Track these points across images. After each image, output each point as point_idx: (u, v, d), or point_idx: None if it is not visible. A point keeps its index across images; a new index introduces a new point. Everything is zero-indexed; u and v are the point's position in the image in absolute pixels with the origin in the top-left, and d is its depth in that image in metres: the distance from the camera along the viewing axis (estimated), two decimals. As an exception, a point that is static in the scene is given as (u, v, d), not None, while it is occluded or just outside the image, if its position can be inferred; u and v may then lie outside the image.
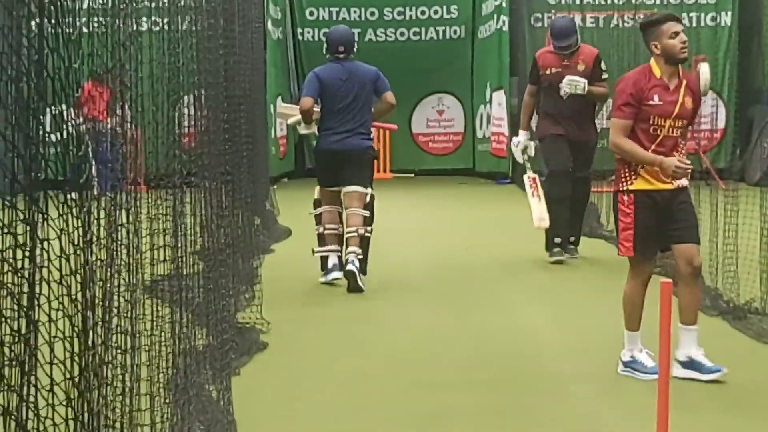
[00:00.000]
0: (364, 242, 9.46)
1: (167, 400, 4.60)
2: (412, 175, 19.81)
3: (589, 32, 17.61)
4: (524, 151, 11.02)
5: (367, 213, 9.51)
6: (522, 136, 11.01)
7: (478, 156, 19.76)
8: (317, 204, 9.75)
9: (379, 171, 19.60)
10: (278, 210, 13.66)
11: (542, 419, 5.84)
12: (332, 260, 9.48)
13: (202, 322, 5.85)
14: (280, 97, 18.16)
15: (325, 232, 9.60)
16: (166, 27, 5.34)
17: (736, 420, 5.83)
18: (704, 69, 16.49)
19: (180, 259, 5.25)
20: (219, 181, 6.79)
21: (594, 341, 7.46)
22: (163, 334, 4.75)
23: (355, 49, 9.85)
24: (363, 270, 9.38)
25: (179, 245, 5.27)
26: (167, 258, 5.06)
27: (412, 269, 10.46)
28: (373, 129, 9.98)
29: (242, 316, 7.55)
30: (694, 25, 18.03)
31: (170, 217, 5.09)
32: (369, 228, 9.53)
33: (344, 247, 9.39)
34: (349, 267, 9.12)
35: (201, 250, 6.32)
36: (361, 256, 9.33)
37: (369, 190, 9.58)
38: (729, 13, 18.18)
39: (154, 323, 4.65)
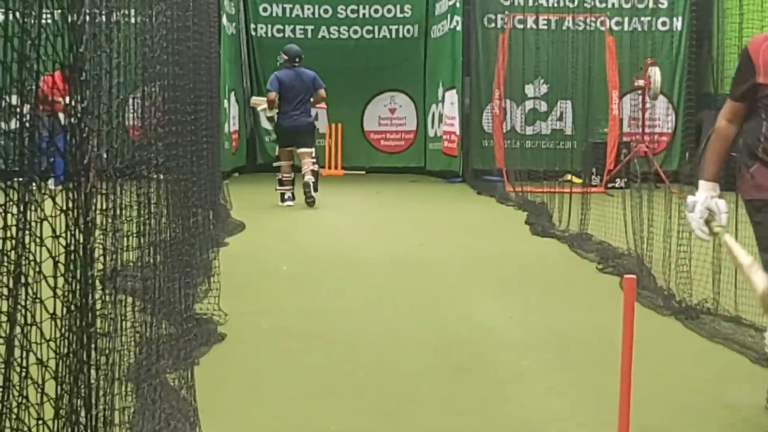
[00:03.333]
0: (315, 174, 14.80)
1: (129, 389, 4.59)
2: (363, 172, 19.84)
3: (542, 34, 17.79)
4: (710, 220, 5.79)
5: (315, 160, 14.92)
6: (704, 192, 5.81)
7: (430, 155, 19.83)
8: (277, 159, 15.27)
9: (330, 168, 19.68)
10: (231, 204, 13.63)
11: (503, 410, 5.88)
12: (288, 194, 15.01)
13: (161, 312, 5.83)
14: (233, 93, 18.11)
15: (283, 177, 15.00)
16: (124, 19, 5.30)
17: (688, 419, 5.91)
18: (654, 73, 16.70)
19: (137, 250, 5.22)
20: (178, 173, 6.76)
21: (551, 337, 7.54)
22: (122, 324, 4.72)
23: (301, 60, 15.12)
24: (315, 188, 14.77)
25: (136, 235, 5.24)
26: (123, 248, 5.03)
27: (369, 264, 10.49)
28: (313, 109, 15.28)
29: (199, 307, 7.53)
30: (646, 29, 18.23)
31: (131, 207, 5.07)
32: (316, 165, 14.95)
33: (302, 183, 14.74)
34: (306, 179, 14.70)
35: (157, 241, 6.30)
36: (313, 180, 14.72)
37: (313, 149, 15.07)
38: (680, 18, 18.40)
39: (111, 314, 4.63)
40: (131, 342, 4.86)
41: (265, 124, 17.59)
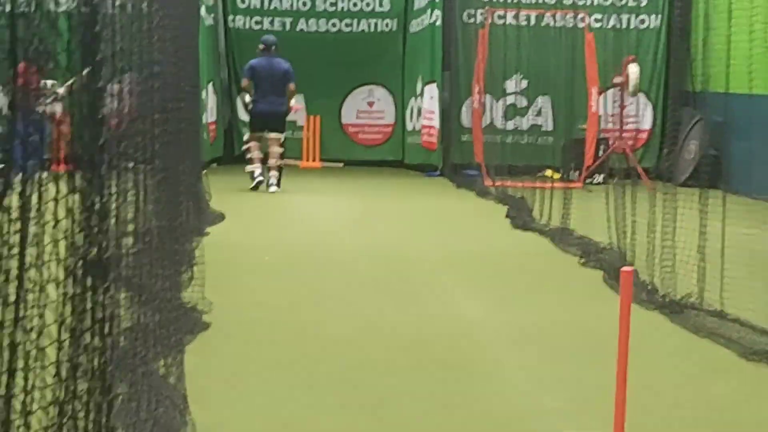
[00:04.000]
0: (280, 168, 15.60)
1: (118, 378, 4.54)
2: (341, 165, 19.78)
3: (522, 30, 17.78)
4: None
5: (282, 149, 15.60)
6: None
7: (408, 148, 19.78)
8: (248, 142, 15.86)
9: (308, 160, 19.60)
10: (210, 194, 13.56)
11: (484, 405, 5.88)
12: (257, 173, 15.49)
13: (147, 300, 5.78)
14: (211, 84, 18.03)
15: (253, 156, 15.56)
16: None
17: (674, 413, 5.91)
18: (633, 70, 16.72)
19: (118, 238, 5.16)
20: (163, 162, 6.70)
21: (535, 332, 7.53)
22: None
23: (277, 48, 15.83)
24: (278, 185, 15.48)
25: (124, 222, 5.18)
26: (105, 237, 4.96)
27: (349, 257, 10.45)
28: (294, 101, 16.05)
29: (183, 296, 7.48)
30: (624, 26, 18.26)
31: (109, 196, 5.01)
32: (282, 157, 15.72)
33: (267, 171, 15.50)
34: (272, 189, 15.36)
35: (140, 229, 6.24)
36: (278, 176, 15.49)
37: (283, 135, 15.68)
38: (659, 16, 18.43)
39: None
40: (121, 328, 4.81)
41: (243, 116, 17.52)
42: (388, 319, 7.83)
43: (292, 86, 15.54)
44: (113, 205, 3.78)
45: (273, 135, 15.51)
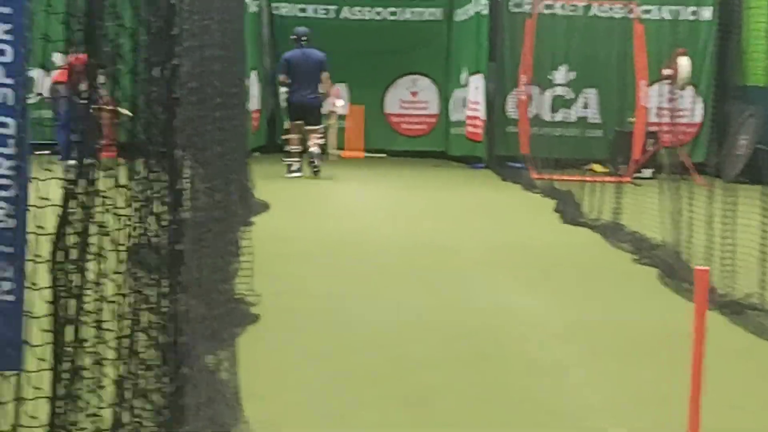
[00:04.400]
0: (322, 147, 16.05)
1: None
2: (384, 155, 19.62)
3: (569, 20, 17.54)
4: None
5: (321, 139, 16.04)
6: None
7: (452, 139, 19.58)
8: (287, 132, 16.13)
9: (351, 149, 19.44)
10: (254, 183, 13.43)
11: (534, 401, 5.71)
12: (295, 166, 15.82)
13: (198, 293, 5.63)
14: (255, 72, 17.90)
15: (291, 148, 15.89)
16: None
17: (735, 416, 5.72)
18: (683, 62, 16.44)
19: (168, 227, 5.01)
20: (219, 150, 6.56)
21: (585, 328, 7.35)
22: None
23: (309, 39, 16.15)
24: (320, 158, 15.93)
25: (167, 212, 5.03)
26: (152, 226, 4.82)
27: (393, 250, 10.29)
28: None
29: (232, 288, 7.35)
30: (675, 18, 17.95)
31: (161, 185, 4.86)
32: (323, 140, 16.25)
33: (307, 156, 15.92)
34: (312, 150, 15.80)
35: (189, 219, 6.10)
36: (318, 151, 15.85)
37: (321, 126, 16.08)
38: (710, 8, 18.10)
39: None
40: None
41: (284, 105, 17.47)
42: (434, 312, 7.69)
43: (325, 75, 15.90)
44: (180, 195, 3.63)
45: (311, 128, 15.83)
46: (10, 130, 2.96)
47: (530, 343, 6.93)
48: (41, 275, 2.93)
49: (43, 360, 2.69)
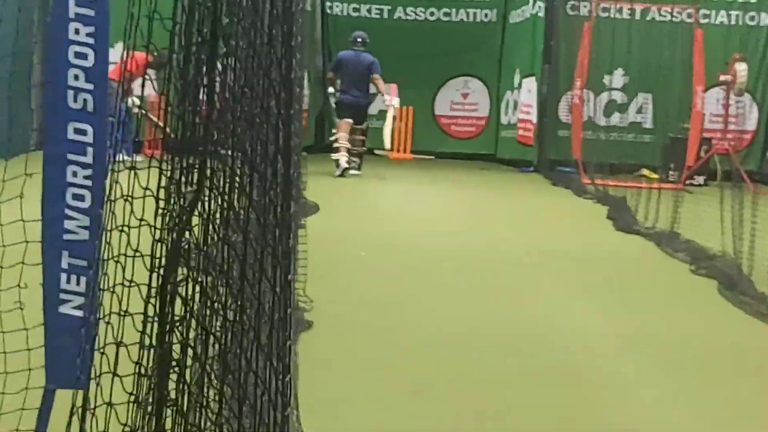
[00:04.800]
0: (361, 154, 16.51)
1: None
2: (433, 157, 19.49)
3: (626, 24, 17.33)
4: None
5: (363, 137, 16.46)
6: None
7: (501, 142, 19.43)
8: (336, 131, 16.42)
9: (399, 151, 19.33)
10: (305, 184, 13.35)
11: (603, 419, 5.54)
12: (342, 162, 16.02)
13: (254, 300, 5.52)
14: (306, 72, 17.81)
15: (340, 144, 16.16)
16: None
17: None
18: (741, 68, 16.20)
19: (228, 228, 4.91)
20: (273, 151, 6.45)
21: (649, 342, 7.15)
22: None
23: (366, 43, 16.36)
24: (359, 168, 16.35)
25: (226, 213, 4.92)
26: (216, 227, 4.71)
27: (444, 254, 10.14)
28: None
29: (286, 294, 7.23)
30: (732, 23, 17.71)
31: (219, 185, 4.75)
32: (364, 144, 16.60)
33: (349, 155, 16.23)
34: (352, 172, 16.07)
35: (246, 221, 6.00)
36: (359, 162, 16.39)
37: (365, 125, 16.49)
38: (769, 13, 17.84)
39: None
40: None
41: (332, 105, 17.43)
42: (488, 322, 7.48)
43: (376, 75, 16.11)
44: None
45: (357, 127, 16.25)
46: (88, 138, 2.86)
47: (595, 356, 6.75)
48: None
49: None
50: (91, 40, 2.89)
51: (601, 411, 5.67)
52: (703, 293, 8.77)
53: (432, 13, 19.66)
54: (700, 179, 16.28)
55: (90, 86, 2.90)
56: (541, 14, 17.84)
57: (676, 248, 10.56)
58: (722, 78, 16.18)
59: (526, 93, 18.17)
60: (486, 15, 19.60)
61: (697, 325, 7.75)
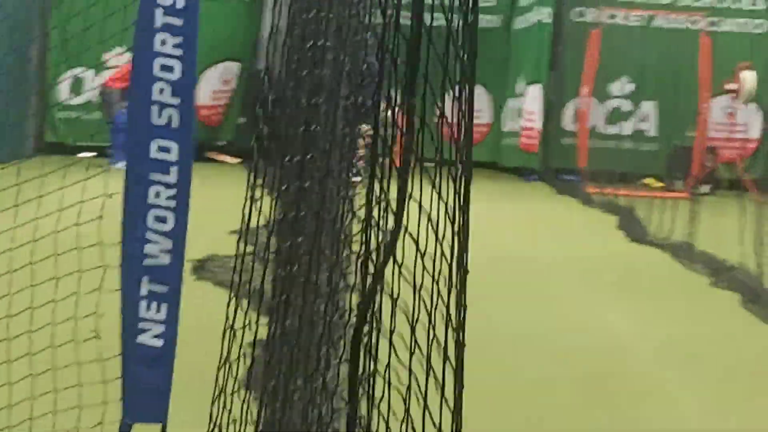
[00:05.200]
0: None
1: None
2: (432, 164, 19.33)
3: (632, 31, 17.21)
4: None
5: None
6: None
7: (503, 150, 19.24)
8: None
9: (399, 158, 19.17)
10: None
11: (651, 428, 5.46)
12: None
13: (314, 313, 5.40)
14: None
15: None
16: None
17: None
18: (748, 77, 16.10)
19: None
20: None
21: (677, 352, 7.08)
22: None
23: None
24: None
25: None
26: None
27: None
28: None
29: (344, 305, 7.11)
30: (739, 31, 17.61)
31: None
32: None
33: None
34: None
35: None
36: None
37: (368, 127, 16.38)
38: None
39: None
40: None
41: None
42: (524, 328, 7.46)
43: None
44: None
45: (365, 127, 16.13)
46: (172, 156, 2.68)
47: (634, 363, 6.68)
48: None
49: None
50: (178, 52, 2.72)
51: (651, 420, 5.59)
52: (727, 305, 8.68)
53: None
54: (706, 188, 16.17)
55: (176, 101, 2.73)
56: (547, 20, 17.70)
57: (693, 259, 10.44)
58: (729, 86, 16.08)
59: (531, 100, 18.00)
60: (489, 20, 19.41)
61: (725, 338, 7.68)
